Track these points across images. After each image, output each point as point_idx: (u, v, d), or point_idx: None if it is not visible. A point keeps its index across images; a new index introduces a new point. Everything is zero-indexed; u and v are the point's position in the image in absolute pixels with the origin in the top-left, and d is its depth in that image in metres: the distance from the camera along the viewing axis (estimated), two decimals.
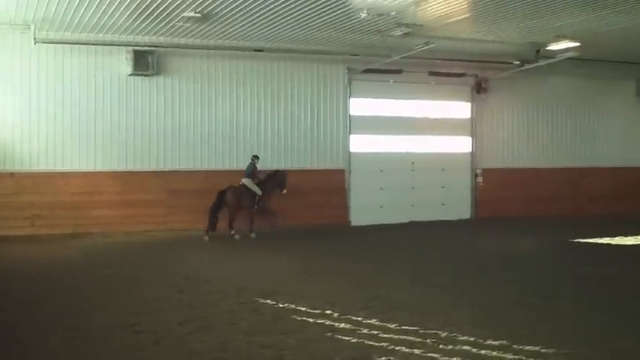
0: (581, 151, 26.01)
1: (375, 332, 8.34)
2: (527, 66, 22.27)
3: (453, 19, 17.20)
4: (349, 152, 22.16)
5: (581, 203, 24.94)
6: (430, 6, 15.86)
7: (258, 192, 18.79)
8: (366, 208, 22.16)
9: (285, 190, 19.14)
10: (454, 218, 23.30)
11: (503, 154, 24.68)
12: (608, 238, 18.11)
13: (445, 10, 16.27)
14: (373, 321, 8.89)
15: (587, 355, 7.32)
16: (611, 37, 19.85)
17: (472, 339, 7.94)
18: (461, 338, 7.99)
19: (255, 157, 19.49)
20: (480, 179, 24.06)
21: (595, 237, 18.25)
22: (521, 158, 24.91)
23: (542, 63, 21.66)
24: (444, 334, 8.16)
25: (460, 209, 23.78)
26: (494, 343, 7.78)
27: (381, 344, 7.82)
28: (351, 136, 22.22)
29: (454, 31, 18.57)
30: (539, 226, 20.96)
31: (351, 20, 17.16)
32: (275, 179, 19.27)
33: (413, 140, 23.26)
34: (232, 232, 18.49)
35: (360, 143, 22.46)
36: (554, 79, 25.04)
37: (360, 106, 22.40)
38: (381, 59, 20.42)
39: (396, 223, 22.05)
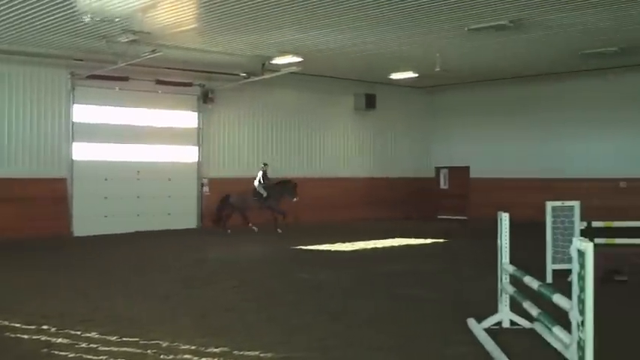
0: (306, 162, 27.16)
1: (95, 346, 8.06)
2: (253, 78, 22.84)
3: (181, 29, 17.24)
4: (72, 160, 21.35)
5: (303, 212, 25.93)
6: (157, 14, 15.74)
7: (264, 193, 22.01)
8: (89, 218, 21.47)
9: (296, 199, 22.30)
10: (180, 227, 23.26)
11: (230, 164, 25.10)
12: (329, 245, 19.00)
13: (172, 19, 16.26)
14: (93, 334, 8.59)
15: (301, 357, 7.60)
16: (330, 54, 20.97)
17: (193, 347, 7.94)
18: (182, 347, 7.96)
19: (265, 165, 22.71)
20: (206, 189, 24.27)
21: (316, 244, 19.06)
22: (249, 168, 25.44)
23: (267, 76, 22.33)
24: (165, 344, 8.08)
25: (186, 219, 23.83)
26: (215, 350, 7.84)
27: (100, 357, 7.58)
28: (74, 143, 21.43)
29: (181, 41, 18.60)
30: (263, 235, 21.48)
31: (74, 24, 16.53)
32: (285, 187, 22.30)
33: (139, 149, 22.96)
34: (250, 225, 22.06)
35: (84, 151, 21.73)
36: (281, 92, 25.95)
37: (85, 113, 21.69)
38: (106, 65, 19.87)
39: (121, 233, 21.56)
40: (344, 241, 19.72)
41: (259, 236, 21.08)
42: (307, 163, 27.31)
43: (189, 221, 23.97)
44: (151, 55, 18.38)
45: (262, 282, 12.91)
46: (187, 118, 24.22)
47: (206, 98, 24.10)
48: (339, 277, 13.38)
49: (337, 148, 28.28)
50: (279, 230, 21.84)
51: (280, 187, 22.40)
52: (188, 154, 24.25)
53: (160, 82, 22.95)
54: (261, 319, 9.59)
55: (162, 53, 18.64)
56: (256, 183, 22.31)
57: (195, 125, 24.34)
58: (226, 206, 22.44)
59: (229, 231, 21.92)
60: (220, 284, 12.57)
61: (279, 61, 21.20)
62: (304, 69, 22.61)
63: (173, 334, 8.58)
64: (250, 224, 22.12)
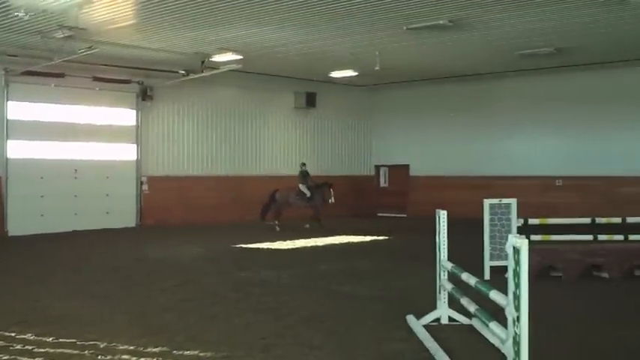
0: (246, 160, 27.10)
1: (30, 347, 7.91)
2: (192, 75, 22.65)
3: (118, 25, 16.99)
4: (6, 158, 20.89)
5: (243, 210, 25.88)
6: (94, 10, 15.48)
7: (307, 193, 22.97)
8: (25, 218, 21.05)
9: (331, 200, 23.00)
10: (119, 226, 22.96)
11: (170, 162, 24.89)
12: (268, 243, 18.98)
13: (109, 15, 16.02)
14: (28, 335, 8.43)
15: (242, 357, 7.58)
16: (271, 52, 20.94)
17: (132, 347, 7.86)
18: (120, 347, 7.87)
19: (303, 165, 23.93)
20: (145, 187, 24.01)
21: (256, 242, 19.03)
22: (189, 166, 25.33)
23: (207, 73, 22.16)
24: (103, 345, 7.98)
25: (125, 217, 23.53)
26: (154, 350, 7.77)
27: (36, 359, 7.46)
28: (9, 141, 20.98)
29: (119, 37, 18.33)
30: (205, 233, 21.37)
31: (7, 19, 16.16)
32: (322, 190, 23.09)
33: (76, 147, 22.57)
34: (273, 222, 22.77)
35: (19, 149, 21.29)
36: (221, 90, 25.85)
37: (20, 110, 21.24)
38: (41, 61, 19.44)
39: (58, 232, 21.19)
40: (285, 239, 19.72)
41: (199, 235, 20.93)
42: (247, 162, 27.22)
43: (129, 220, 23.67)
44: (88, 52, 18.07)
45: (202, 281, 12.81)
46: (126, 116, 23.92)
47: (145, 95, 23.85)
48: (279, 276, 13.37)
49: (278, 147, 28.25)
50: (307, 226, 23.00)
51: (320, 189, 23.24)
52: (127, 152, 23.95)
53: (97, 79, 22.59)
54: (201, 318, 9.53)
55: (99, 50, 18.35)
56: (300, 184, 23.27)
57: (134, 123, 24.05)
58: (272, 202, 23.07)
59: (278, 227, 22.54)
60: (160, 283, 12.44)
61: (218, 58, 21.06)
62: (245, 67, 22.53)
63: (111, 334, 8.47)
64: (277, 222, 22.70)
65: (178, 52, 20.38)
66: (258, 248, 18.15)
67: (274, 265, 14.97)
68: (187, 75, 22.89)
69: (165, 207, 24.16)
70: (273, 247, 18.42)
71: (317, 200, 23.16)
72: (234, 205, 25.90)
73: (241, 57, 20.90)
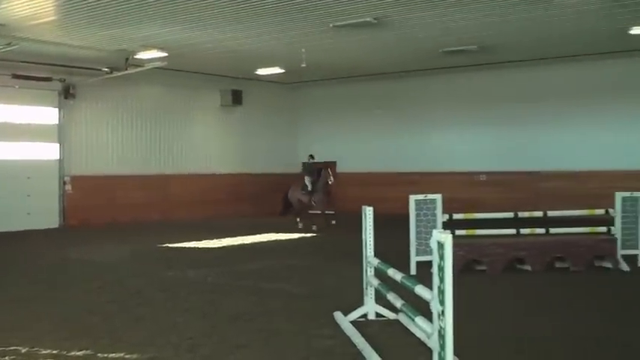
0: (172, 159, 26.80)
1: None
2: (116, 73, 22.33)
3: (39, 21, 16.58)
4: None
5: (170, 209, 25.64)
6: (13, 5, 15.09)
7: (309, 186, 21.47)
8: None
9: (331, 180, 21.30)
10: (42, 227, 22.43)
11: (94, 161, 24.43)
12: (196, 242, 18.81)
13: (30, 10, 15.61)
14: None
15: (169, 357, 7.49)
16: (196, 50, 20.74)
17: (55, 352, 7.68)
18: (43, 352, 7.68)
19: (310, 157, 22.28)
20: (68, 187, 23.53)
21: (183, 241, 18.84)
22: (114, 165, 24.92)
23: (131, 71, 21.87)
24: (24, 350, 7.77)
25: (48, 218, 23.04)
26: (78, 353, 7.61)
27: None
28: None
29: (40, 33, 17.89)
30: (130, 233, 21.05)
31: None
32: (322, 177, 21.45)
33: None
34: (298, 220, 22.12)
35: None
36: (146, 88, 25.51)
37: None
38: None
39: None
40: (212, 238, 19.57)
41: (125, 235, 20.62)
42: (174, 160, 26.92)
43: (51, 221, 23.15)
44: (7, 49, 17.66)
45: (128, 282, 12.61)
46: (47, 114, 23.39)
47: (67, 94, 23.36)
48: (206, 274, 13.26)
49: (204, 145, 28.02)
50: (314, 227, 21.70)
51: (322, 179, 21.79)
52: (49, 152, 23.42)
53: (17, 77, 22.01)
54: (126, 319, 9.38)
55: (19, 46, 17.92)
56: (306, 178, 22.17)
57: (56, 121, 23.54)
58: (287, 204, 22.84)
59: (300, 225, 22.06)
60: (84, 285, 12.19)
61: (143, 55, 20.76)
62: (170, 64, 22.24)
63: (33, 339, 8.25)
64: (298, 219, 22.29)
65: (101, 49, 20.02)
66: (185, 247, 17.97)
67: (201, 264, 14.84)
68: (111, 73, 22.54)
69: (90, 207, 23.72)
70: (200, 245, 18.26)
71: (319, 192, 21.84)
72: (161, 204, 25.61)
73: (166, 54, 20.66)
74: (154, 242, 18.79)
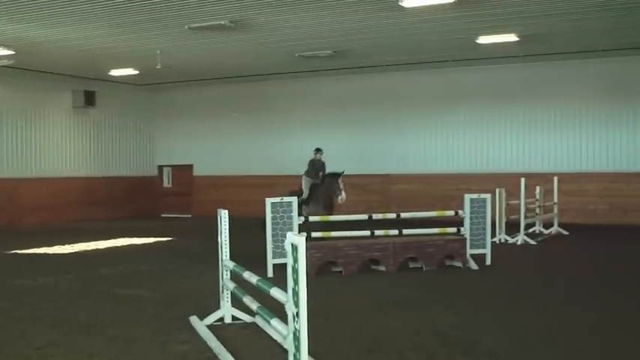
0: (20, 162, 25.74)
1: None
2: None
3: None
4: None
5: (17, 214, 24.63)
6: None
7: (303, 194, 17.18)
8: None
9: (342, 197, 16.83)
10: None
11: None
12: (47, 248, 18.15)
13: None
14: None
15: None
16: (46, 49, 20.02)
17: None
18: None
19: (317, 151, 17.94)
20: None
21: (33, 247, 18.14)
22: None
23: None
24: None
25: None
26: None
27: None
28: None
29: None
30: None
31: None
32: (327, 187, 17.07)
33: None
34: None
35: None
36: None
37: None
38: None
39: None
40: (64, 244, 18.94)
41: None
42: (21, 163, 25.84)
43: None
44: None
45: None
46: None
47: None
48: (57, 281, 12.82)
49: (56, 147, 27.07)
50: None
51: (326, 188, 17.23)
52: None
53: None
54: None
55: None
56: (304, 179, 17.93)
57: None
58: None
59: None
60: None
61: None
62: (17, 63, 21.35)
63: None
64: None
65: None
66: (36, 254, 17.29)
67: (52, 270, 14.33)
68: None
69: None
70: (51, 251, 17.62)
71: (312, 206, 17.21)
72: (8, 209, 24.54)
73: (13, 52, 19.81)
74: (2, 249, 17.98)
